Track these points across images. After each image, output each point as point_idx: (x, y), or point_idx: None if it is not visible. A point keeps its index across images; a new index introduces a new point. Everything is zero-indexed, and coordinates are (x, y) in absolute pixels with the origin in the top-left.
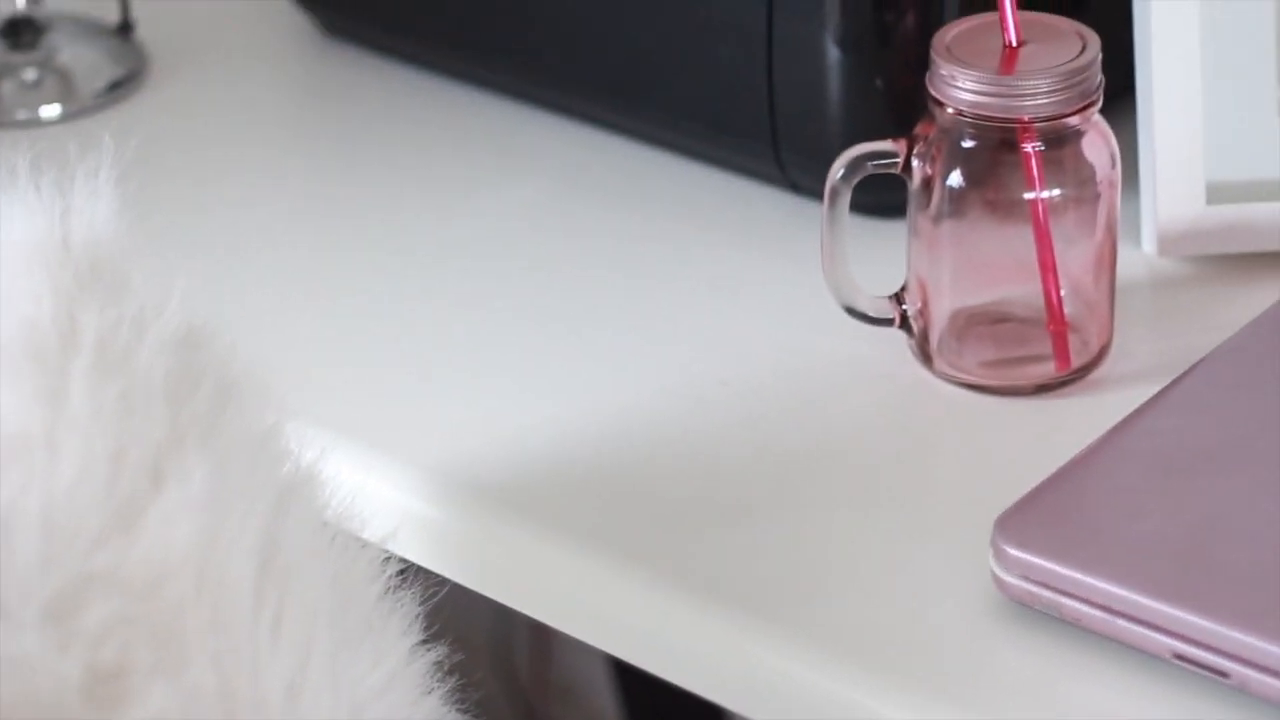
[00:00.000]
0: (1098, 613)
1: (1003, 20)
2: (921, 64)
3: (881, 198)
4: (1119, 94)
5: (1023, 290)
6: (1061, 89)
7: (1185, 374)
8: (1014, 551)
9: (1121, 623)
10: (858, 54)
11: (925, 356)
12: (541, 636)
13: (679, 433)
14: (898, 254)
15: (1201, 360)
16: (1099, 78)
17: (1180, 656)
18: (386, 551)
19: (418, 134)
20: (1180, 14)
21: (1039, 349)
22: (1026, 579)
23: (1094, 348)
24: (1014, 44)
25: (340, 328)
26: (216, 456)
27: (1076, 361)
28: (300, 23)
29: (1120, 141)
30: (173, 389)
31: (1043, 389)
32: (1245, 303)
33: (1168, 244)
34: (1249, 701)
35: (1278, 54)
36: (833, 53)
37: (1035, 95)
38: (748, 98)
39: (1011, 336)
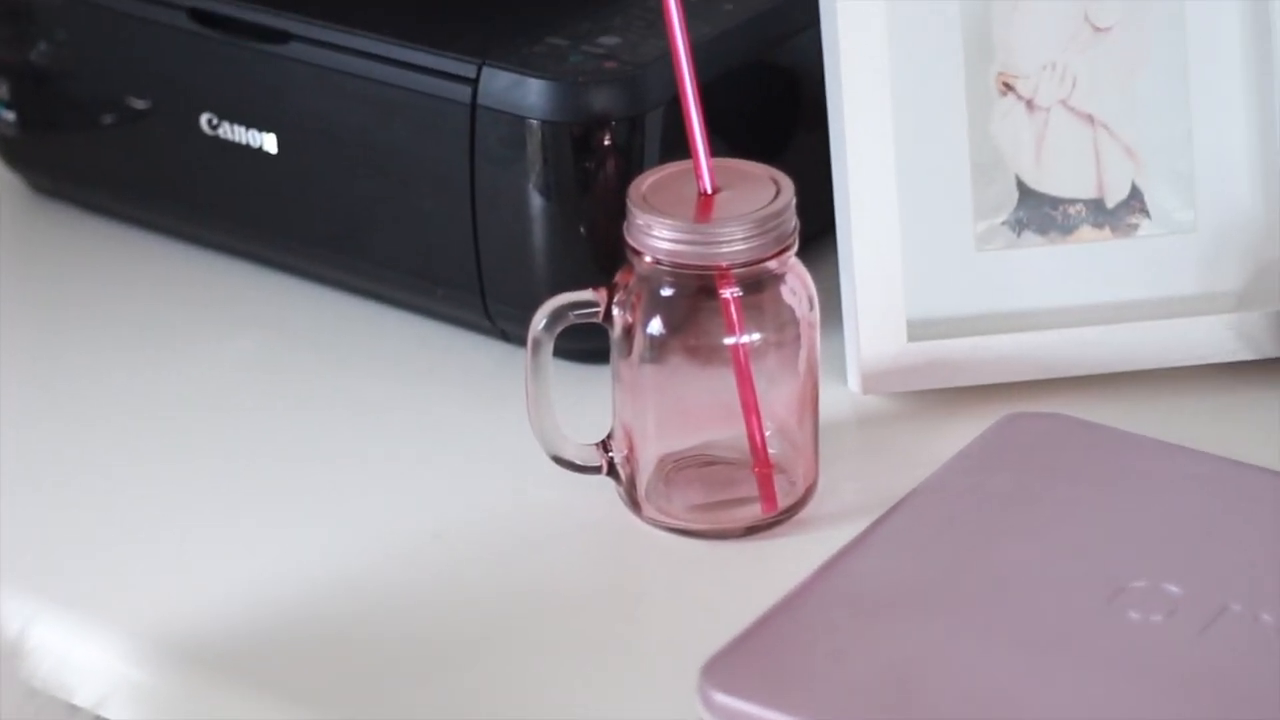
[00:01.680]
0: None
1: (696, 168)
2: (624, 210)
3: (589, 343)
4: (822, 233)
5: (728, 433)
6: (757, 235)
7: (888, 513)
8: (720, 696)
9: None
10: (559, 202)
11: (634, 502)
12: None
13: (392, 584)
14: (607, 399)
15: (904, 499)
16: (794, 222)
17: None
18: (98, 717)
19: (131, 290)
20: (876, 154)
21: (746, 491)
22: None
23: (801, 488)
24: (709, 191)
25: (48, 490)
26: None
27: (784, 502)
28: (10, 180)
29: (824, 280)
30: None
31: (752, 531)
32: (948, 438)
33: (871, 381)
34: None
35: (972, 191)
36: (535, 201)
37: (731, 242)
38: (454, 248)
39: (719, 479)
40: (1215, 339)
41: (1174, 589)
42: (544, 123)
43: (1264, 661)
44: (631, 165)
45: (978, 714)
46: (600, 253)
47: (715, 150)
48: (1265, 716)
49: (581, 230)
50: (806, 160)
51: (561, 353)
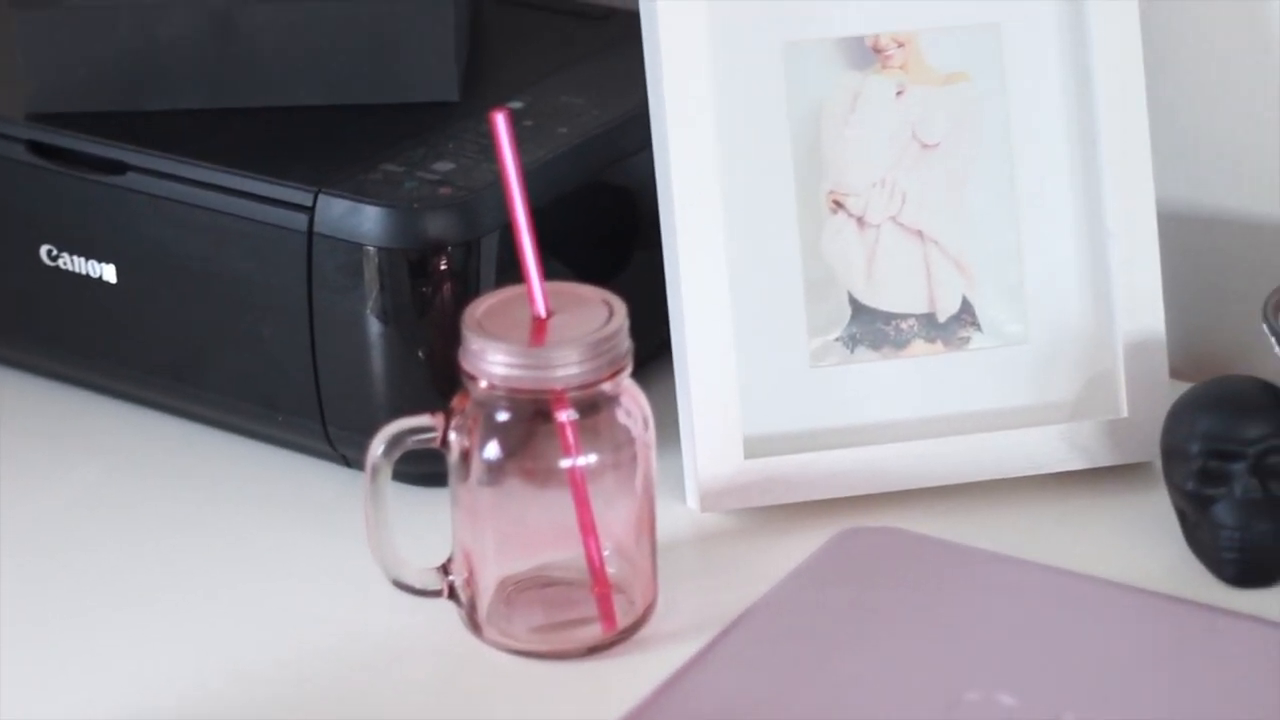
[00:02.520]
0: None
1: (530, 292)
2: (461, 335)
3: (430, 467)
4: (661, 351)
5: (567, 554)
6: (591, 358)
7: (726, 630)
8: None
9: None
10: (397, 328)
11: (475, 625)
12: None
13: (236, 711)
14: (448, 522)
15: (741, 615)
16: (627, 344)
17: None
18: None
19: None
20: (710, 274)
21: (586, 611)
22: None
23: (640, 607)
24: (543, 315)
25: None
26: None
27: (623, 621)
28: None
29: (663, 399)
30: None
31: (593, 651)
32: (786, 553)
33: (709, 499)
34: None
35: (805, 309)
36: (372, 327)
37: (566, 365)
38: (294, 376)
39: (559, 600)
40: (1048, 449)
41: (1008, 700)
42: (380, 249)
43: None
44: (468, 289)
45: None
46: (439, 377)
47: (553, 272)
48: None
49: (420, 355)
50: (644, 280)
51: (402, 476)
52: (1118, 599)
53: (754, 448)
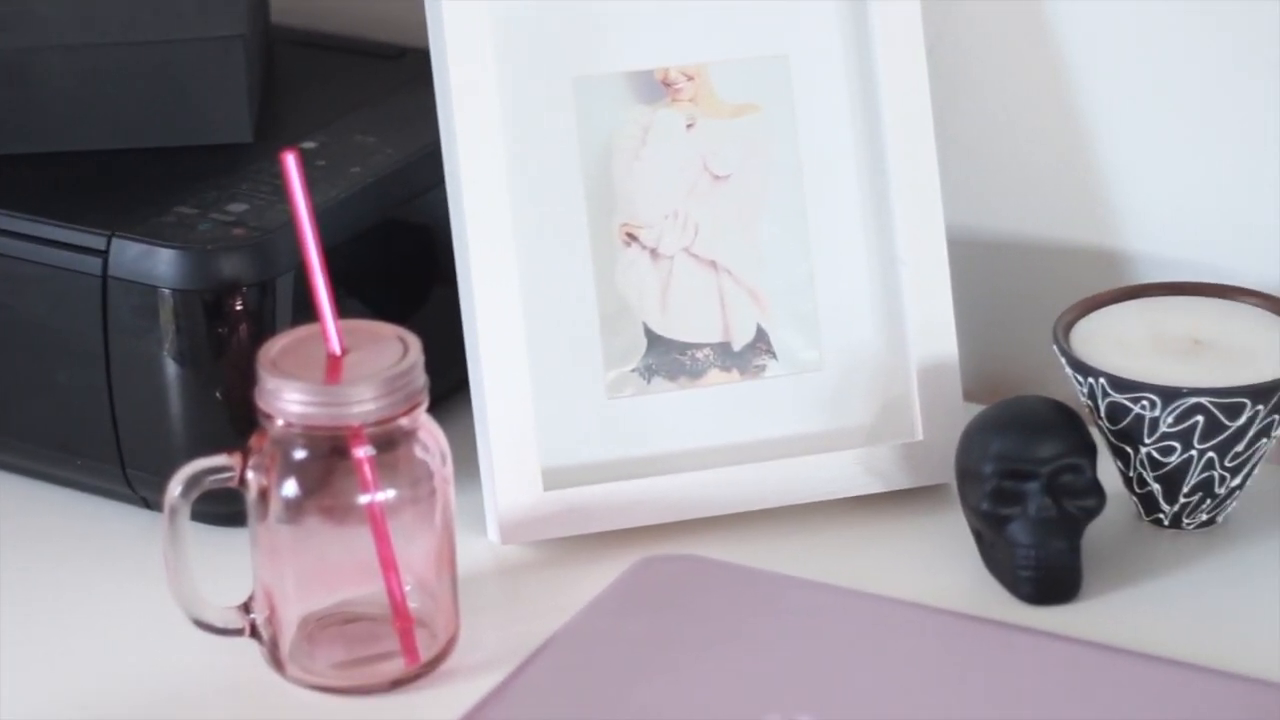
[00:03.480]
0: None
1: (324, 330)
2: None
3: (230, 506)
4: (460, 386)
5: (368, 590)
6: (387, 394)
7: (527, 661)
8: None
9: None
10: (193, 369)
11: (278, 663)
12: None
13: None
14: (248, 561)
15: (542, 646)
16: (423, 379)
17: None
18: None
19: None
20: (505, 309)
21: (389, 646)
22: None
23: (442, 640)
24: (338, 353)
25: None
26: None
27: (426, 655)
28: None
29: (463, 434)
30: None
31: (397, 684)
32: (588, 583)
33: (509, 532)
34: None
35: (601, 341)
36: (169, 369)
37: (362, 402)
38: (92, 419)
39: (362, 636)
40: (845, 474)
41: None
42: (175, 291)
43: None
44: (264, 329)
45: None
46: (237, 416)
47: (350, 310)
48: None
49: (217, 395)
50: (441, 316)
51: (202, 516)
52: (916, 619)
53: (553, 479)
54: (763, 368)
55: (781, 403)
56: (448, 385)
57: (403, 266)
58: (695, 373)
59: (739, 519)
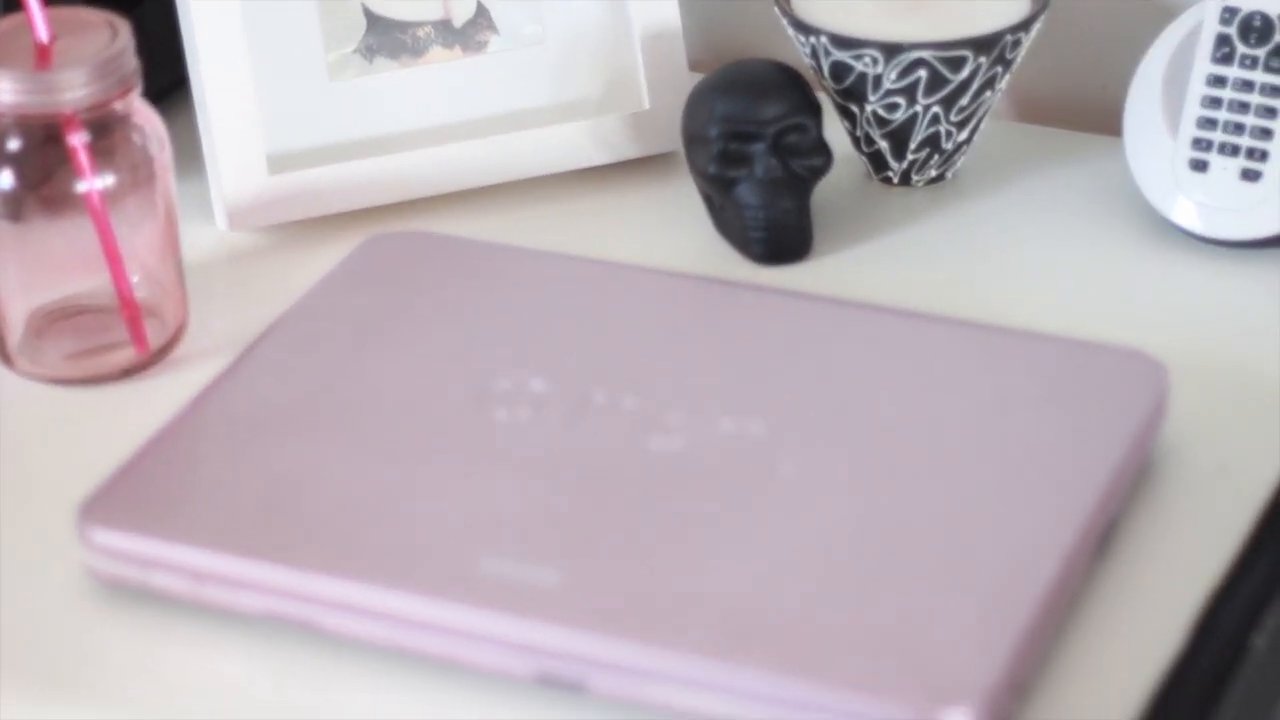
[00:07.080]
0: (186, 581)
1: (29, 18)
2: None
3: None
4: (180, 83)
5: (95, 282)
6: (98, 78)
7: (256, 340)
8: (98, 533)
9: (210, 588)
10: None
11: (6, 358)
12: None
13: None
14: None
15: (270, 326)
16: (135, 63)
17: (274, 613)
18: None
19: None
20: None
21: (119, 336)
22: (114, 558)
23: (172, 327)
24: (45, 41)
25: None
26: None
27: (155, 343)
28: None
29: (190, 128)
30: None
31: (128, 373)
32: (315, 265)
33: (237, 218)
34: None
35: (320, 22)
36: None
37: (73, 87)
38: None
39: (91, 327)
40: (573, 146)
41: (539, 384)
42: None
43: (627, 443)
44: None
45: (357, 522)
46: None
47: (61, 2)
48: (628, 496)
49: None
50: (161, 9)
51: None
52: (649, 282)
53: (278, 164)
54: (485, 43)
55: (506, 78)
56: (169, 82)
57: None
58: (417, 51)
59: (469, 196)
